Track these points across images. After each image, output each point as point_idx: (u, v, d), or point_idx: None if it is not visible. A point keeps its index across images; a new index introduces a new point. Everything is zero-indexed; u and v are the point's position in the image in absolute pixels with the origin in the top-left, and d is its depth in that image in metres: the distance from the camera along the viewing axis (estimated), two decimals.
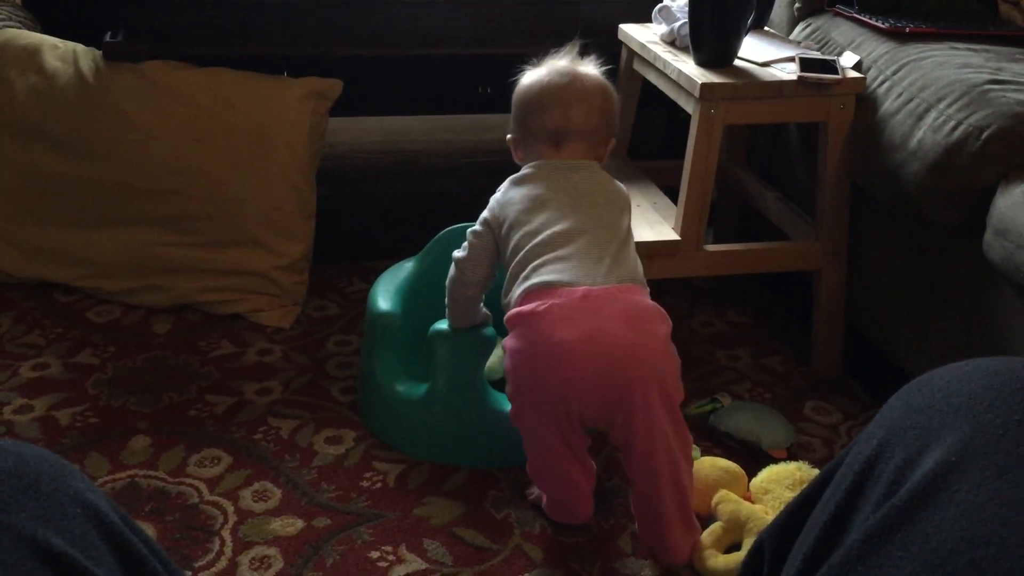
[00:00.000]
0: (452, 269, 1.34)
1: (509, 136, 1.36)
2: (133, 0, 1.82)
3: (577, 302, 1.17)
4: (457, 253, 1.33)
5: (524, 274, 1.22)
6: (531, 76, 1.33)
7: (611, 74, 1.35)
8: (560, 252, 1.21)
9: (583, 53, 1.35)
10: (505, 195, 1.30)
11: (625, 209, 1.30)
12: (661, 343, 1.20)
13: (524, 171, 1.31)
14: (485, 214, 1.31)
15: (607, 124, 1.32)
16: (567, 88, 1.29)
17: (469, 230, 1.32)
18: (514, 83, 1.35)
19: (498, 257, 1.31)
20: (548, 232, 1.23)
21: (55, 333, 1.73)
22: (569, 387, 1.18)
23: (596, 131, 1.31)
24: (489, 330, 1.40)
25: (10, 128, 1.83)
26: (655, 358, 1.18)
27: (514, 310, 1.21)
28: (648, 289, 1.25)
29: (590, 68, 1.33)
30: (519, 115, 1.33)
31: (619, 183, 1.33)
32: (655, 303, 1.23)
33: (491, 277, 1.34)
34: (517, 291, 1.22)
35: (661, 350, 1.20)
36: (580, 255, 1.21)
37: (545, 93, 1.30)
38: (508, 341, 1.22)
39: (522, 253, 1.24)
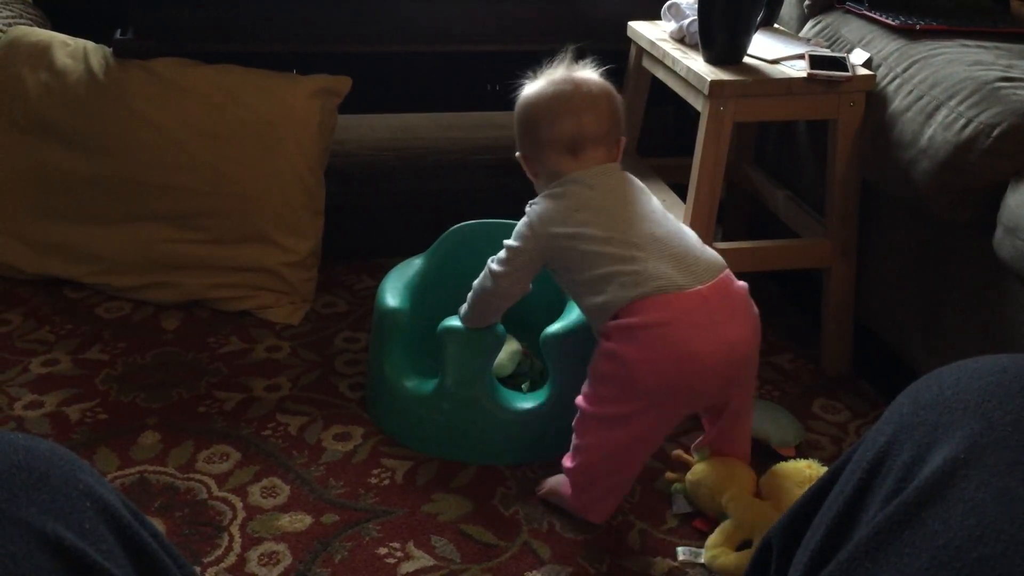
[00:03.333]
0: (487, 280, 1.32)
1: (519, 154, 1.35)
2: None
3: (700, 308, 1.19)
4: (495, 266, 1.31)
5: (619, 279, 1.20)
6: (532, 88, 1.32)
7: (608, 74, 1.34)
8: (651, 251, 1.22)
9: (578, 57, 1.35)
10: (546, 211, 1.28)
11: (659, 202, 1.33)
12: (759, 324, 1.27)
13: (559, 187, 1.29)
14: (525, 230, 1.29)
15: (616, 125, 1.32)
16: (574, 96, 1.29)
17: (508, 243, 1.30)
18: (523, 81, 1.34)
19: (540, 270, 1.31)
20: (625, 234, 1.23)
21: (65, 329, 1.74)
22: (703, 392, 1.24)
23: (608, 134, 1.31)
24: (498, 327, 1.40)
25: (20, 125, 1.84)
26: (759, 341, 1.27)
27: (628, 319, 1.19)
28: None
29: (589, 73, 1.33)
30: (527, 130, 1.32)
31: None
32: (739, 280, 1.27)
33: (527, 291, 1.33)
34: (616, 296, 1.20)
35: (759, 332, 1.27)
36: (670, 255, 1.22)
37: (552, 103, 1.29)
38: (618, 346, 1.20)
39: (602, 260, 1.22)
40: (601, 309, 1.23)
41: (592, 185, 1.28)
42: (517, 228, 1.30)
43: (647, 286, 1.19)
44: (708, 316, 1.19)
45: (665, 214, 1.29)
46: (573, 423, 1.29)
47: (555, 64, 1.34)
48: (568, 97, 1.29)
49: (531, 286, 1.33)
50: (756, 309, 1.26)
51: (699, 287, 1.20)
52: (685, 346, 1.18)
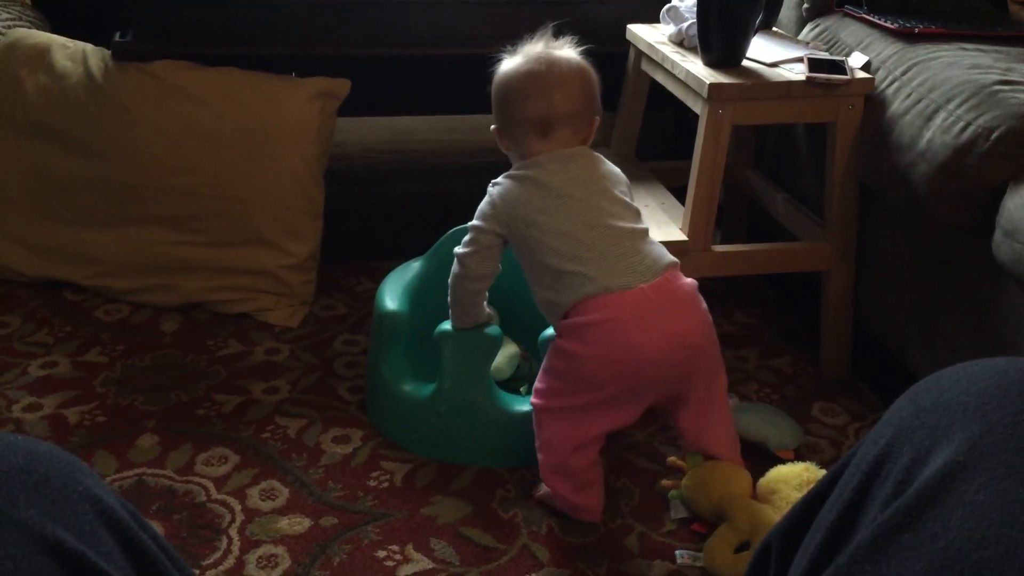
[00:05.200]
0: (455, 266, 1.34)
1: (493, 127, 1.37)
2: (142, 0, 1.82)
3: (642, 304, 1.23)
4: (459, 249, 1.34)
5: (566, 279, 1.25)
6: (508, 65, 1.34)
7: (587, 54, 1.35)
8: (597, 250, 1.25)
9: (557, 34, 1.36)
10: (508, 192, 1.31)
11: (627, 185, 1.35)
12: (709, 319, 1.30)
13: (522, 169, 1.32)
14: (487, 209, 1.32)
15: (589, 104, 1.33)
16: (546, 75, 1.31)
17: (471, 225, 1.33)
18: (502, 57, 1.35)
19: (504, 250, 1.33)
20: (574, 230, 1.26)
21: (64, 332, 1.74)
22: (648, 385, 1.27)
23: (580, 114, 1.32)
24: (495, 329, 1.40)
25: (19, 127, 1.84)
26: (711, 334, 1.30)
27: (576, 319, 1.25)
28: (671, 255, 1.30)
29: (566, 51, 1.34)
30: (501, 105, 1.35)
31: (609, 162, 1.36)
32: (686, 277, 1.30)
33: (497, 270, 1.35)
34: (565, 297, 1.25)
35: (711, 325, 1.30)
36: (617, 251, 1.25)
37: (525, 82, 1.31)
38: (568, 344, 1.26)
39: (551, 253, 1.26)
40: (552, 304, 1.28)
41: (556, 170, 1.30)
42: (480, 207, 1.33)
43: (592, 287, 1.23)
44: (651, 312, 1.24)
45: (624, 205, 1.31)
46: (534, 424, 1.32)
47: (534, 40, 1.35)
48: (541, 76, 1.31)
49: (499, 266, 1.35)
50: (704, 305, 1.30)
51: (642, 285, 1.24)
52: (626, 339, 1.23)
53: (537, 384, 1.32)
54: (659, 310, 1.24)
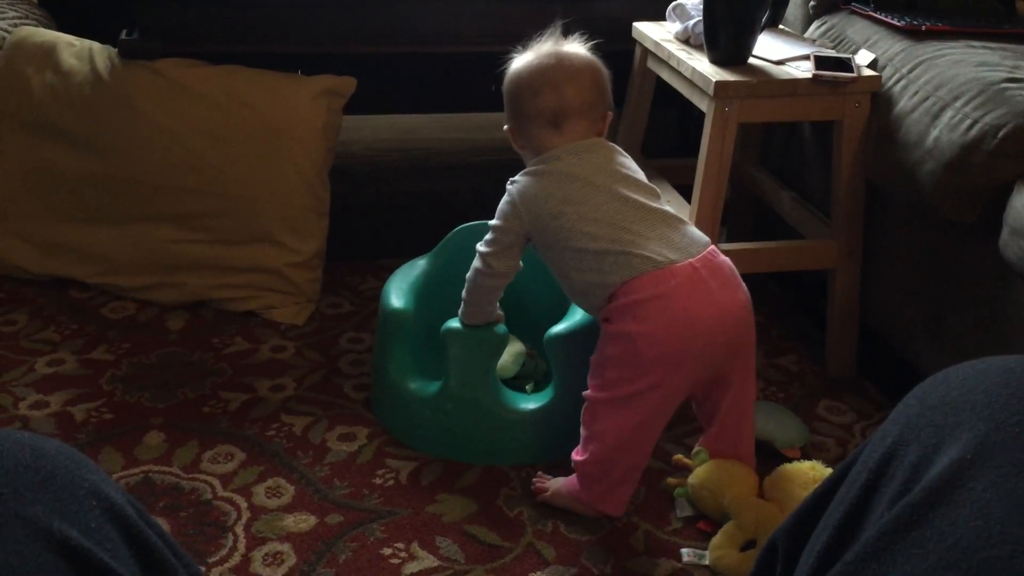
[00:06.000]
0: (477, 262, 1.34)
1: (506, 127, 1.38)
2: None
3: (692, 278, 1.23)
4: (481, 247, 1.34)
5: (611, 259, 1.24)
6: (518, 63, 1.35)
7: (596, 49, 1.36)
8: (635, 231, 1.25)
9: (566, 33, 1.37)
10: (527, 188, 1.31)
11: (639, 170, 1.35)
12: (749, 296, 1.30)
13: (540, 164, 1.32)
14: (507, 208, 1.32)
15: (601, 98, 1.34)
16: (556, 68, 1.32)
17: (492, 223, 1.33)
18: (512, 56, 1.36)
19: (525, 247, 1.33)
20: (608, 215, 1.26)
21: (70, 329, 1.74)
22: (708, 357, 1.26)
23: (592, 107, 1.33)
24: (501, 328, 1.40)
25: (26, 125, 1.84)
26: (752, 311, 1.30)
27: (626, 299, 1.23)
28: None
29: (575, 47, 1.35)
30: (513, 102, 1.35)
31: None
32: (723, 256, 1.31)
33: (518, 268, 1.35)
34: (612, 278, 1.24)
35: (750, 302, 1.30)
36: (657, 230, 1.26)
37: (536, 76, 1.32)
38: (622, 326, 1.24)
39: (587, 239, 1.25)
40: (594, 286, 1.26)
41: (575, 163, 1.30)
42: (500, 207, 1.33)
43: (639, 266, 1.23)
44: (702, 284, 1.24)
45: (652, 190, 1.32)
46: (581, 416, 1.30)
47: (544, 38, 1.36)
48: (551, 69, 1.32)
49: (520, 264, 1.35)
50: (744, 284, 1.30)
51: (689, 259, 1.24)
52: (683, 313, 1.22)
53: (591, 380, 1.29)
54: (709, 284, 1.24)
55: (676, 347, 1.23)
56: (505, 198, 1.33)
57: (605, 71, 1.35)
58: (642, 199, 1.28)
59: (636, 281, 1.23)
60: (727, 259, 1.30)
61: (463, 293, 1.38)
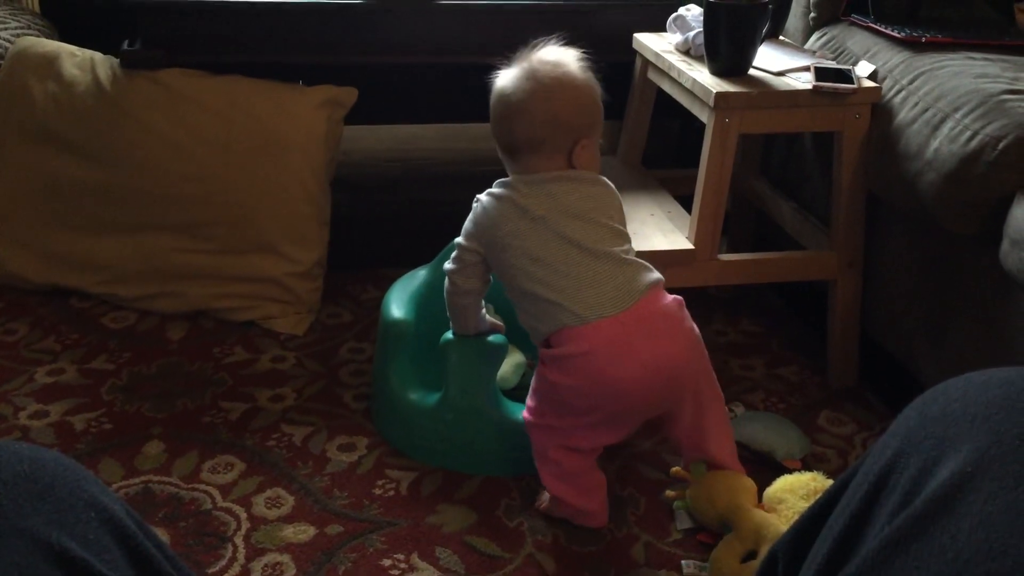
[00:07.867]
0: (446, 280, 1.35)
1: None
2: (150, 8, 1.83)
3: (618, 334, 1.21)
4: (448, 265, 1.34)
5: (543, 307, 1.23)
6: (496, 81, 1.31)
7: (593, 62, 1.30)
8: (571, 277, 1.22)
9: (566, 43, 1.31)
10: (486, 211, 1.29)
11: (611, 204, 1.28)
12: (694, 335, 1.28)
13: (499, 188, 1.30)
14: (469, 227, 1.31)
15: (559, 130, 1.25)
16: (507, 103, 1.27)
17: (456, 242, 1.33)
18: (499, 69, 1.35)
19: (490, 269, 1.32)
20: (548, 255, 1.24)
21: (71, 339, 1.74)
22: (634, 410, 1.27)
23: (545, 141, 1.26)
24: (500, 338, 1.40)
25: (28, 135, 1.85)
26: (697, 350, 1.28)
27: (554, 350, 1.24)
28: (656, 272, 1.27)
29: (550, 64, 1.26)
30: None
31: (599, 177, 1.30)
32: (671, 294, 1.27)
33: (486, 284, 1.35)
34: (543, 326, 1.24)
35: (697, 341, 1.28)
36: (592, 278, 1.22)
37: (496, 105, 1.30)
38: (549, 373, 1.25)
39: (527, 279, 1.24)
40: (532, 330, 1.28)
41: (528, 194, 1.26)
42: (464, 225, 1.32)
43: (565, 320, 1.22)
44: (626, 342, 1.21)
45: (605, 229, 1.25)
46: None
47: (514, 57, 1.31)
48: (501, 103, 1.28)
49: (489, 280, 1.34)
50: (688, 322, 1.27)
51: (616, 314, 1.21)
52: (602, 374, 1.21)
53: (528, 399, 1.32)
54: (635, 339, 1.21)
55: (598, 402, 1.24)
56: (469, 215, 1.31)
57: (576, 93, 1.26)
58: (588, 243, 1.23)
59: (562, 333, 1.22)
60: (672, 299, 1.26)
61: (447, 309, 1.39)
